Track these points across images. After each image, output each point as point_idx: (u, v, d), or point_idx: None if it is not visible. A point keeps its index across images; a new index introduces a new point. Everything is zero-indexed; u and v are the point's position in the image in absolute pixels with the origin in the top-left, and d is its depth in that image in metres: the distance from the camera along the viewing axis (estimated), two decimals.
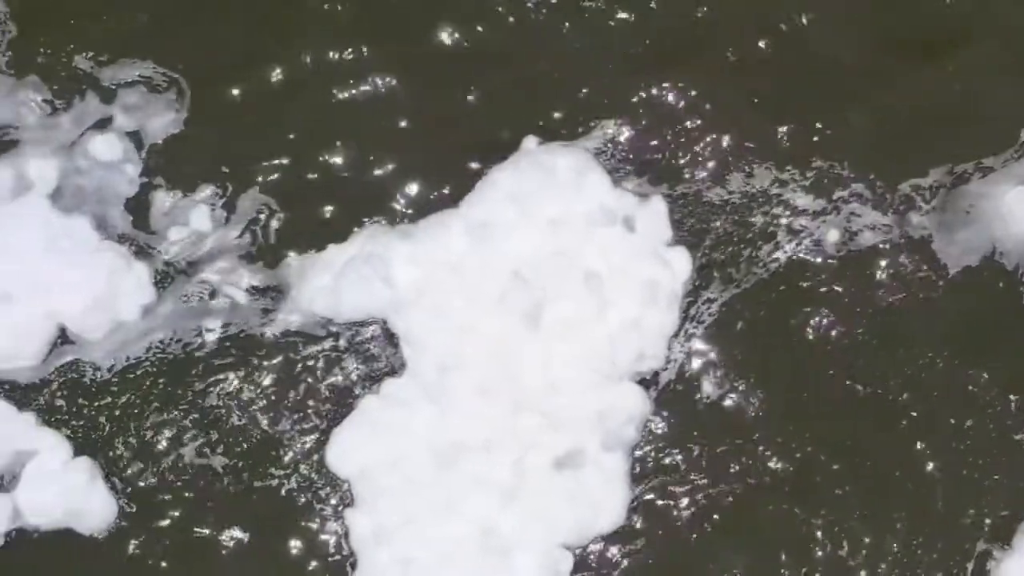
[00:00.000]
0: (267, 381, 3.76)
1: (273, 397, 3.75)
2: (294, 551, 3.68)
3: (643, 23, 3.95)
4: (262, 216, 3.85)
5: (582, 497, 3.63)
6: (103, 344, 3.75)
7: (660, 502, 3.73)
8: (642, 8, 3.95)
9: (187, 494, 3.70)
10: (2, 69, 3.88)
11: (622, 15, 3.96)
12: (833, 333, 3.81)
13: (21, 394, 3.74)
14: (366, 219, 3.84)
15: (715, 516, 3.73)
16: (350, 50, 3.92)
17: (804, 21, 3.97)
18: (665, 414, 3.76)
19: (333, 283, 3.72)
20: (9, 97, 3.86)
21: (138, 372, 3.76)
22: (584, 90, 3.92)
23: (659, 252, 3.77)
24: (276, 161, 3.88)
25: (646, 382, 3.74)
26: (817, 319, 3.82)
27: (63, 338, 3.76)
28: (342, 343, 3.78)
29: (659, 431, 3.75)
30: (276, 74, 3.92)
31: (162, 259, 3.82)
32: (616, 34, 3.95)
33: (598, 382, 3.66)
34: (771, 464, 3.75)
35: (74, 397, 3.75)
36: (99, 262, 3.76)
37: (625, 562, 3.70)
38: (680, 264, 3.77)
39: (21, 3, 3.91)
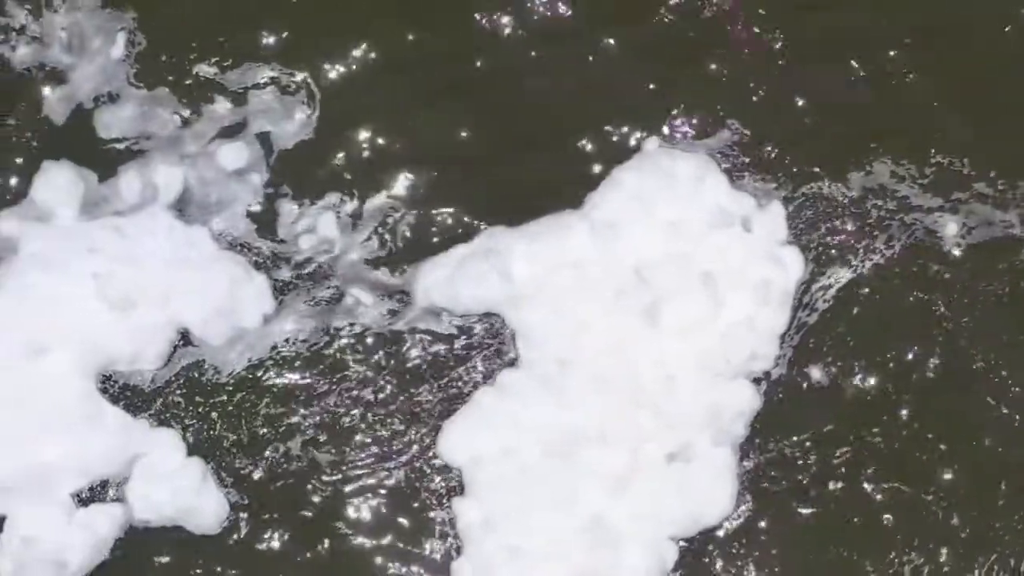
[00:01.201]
0: (387, 379, 3.82)
1: (391, 394, 3.82)
2: (398, 540, 3.77)
3: (771, 20, 3.96)
4: (390, 220, 3.88)
5: (691, 491, 3.68)
6: (225, 348, 3.80)
7: (767, 494, 3.80)
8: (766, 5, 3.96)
9: (297, 489, 3.78)
10: (131, 82, 3.86)
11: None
12: (946, 322, 3.85)
13: (139, 395, 3.79)
14: (490, 219, 3.87)
15: (822, 505, 3.79)
16: (474, 50, 3.94)
17: (924, 20, 3.96)
18: (775, 403, 3.80)
19: (451, 276, 3.78)
20: (139, 109, 3.85)
21: (259, 373, 3.82)
22: (704, 88, 3.93)
23: (774, 252, 3.80)
24: (403, 165, 3.89)
25: (756, 378, 3.79)
26: (930, 307, 3.85)
27: (185, 340, 3.79)
28: (463, 341, 3.83)
29: (768, 421, 3.79)
30: (402, 75, 3.92)
31: (288, 264, 3.85)
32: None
33: (711, 379, 3.71)
34: (879, 448, 3.81)
35: (192, 396, 3.80)
36: (220, 271, 3.77)
37: (730, 553, 3.77)
38: (793, 264, 3.81)
39: (147, 13, 3.89)
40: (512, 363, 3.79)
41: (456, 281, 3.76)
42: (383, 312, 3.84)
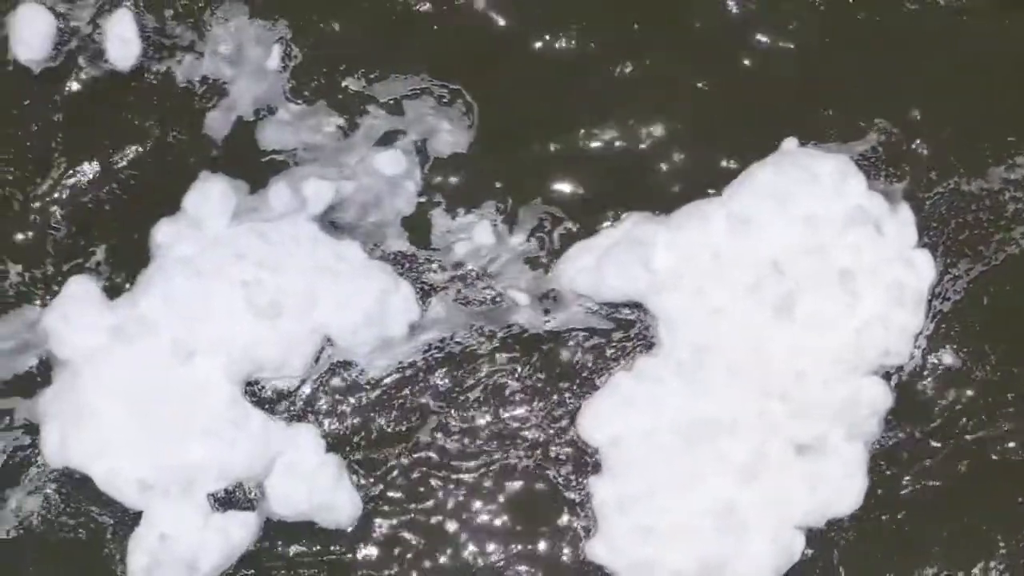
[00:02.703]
0: (532, 374, 3.88)
1: (534, 388, 3.88)
2: (531, 520, 3.84)
3: (918, 25, 3.99)
4: (546, 224, 3.91)
5: (821, 483, 3.72)
6: (372, 354, 3.84)
7: (896, 487, 3.85)
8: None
9: (429, 477, 3.85)
10: (288, 96, 3.89)
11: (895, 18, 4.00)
12: None
13: (282, 394, 3.84)
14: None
15: (950, 499, 3.85)
16: (630, 55, 3.95)
17: None
18: (906, 388, 3.86)
19: (595, 264, 3.82)
20: (297, 121, 3.89)
21: (407, 373, 3.87)
22: (855, 92, 3.95)
23: (905, 255, 3.84)
24: (557, 167, 3.92)
25: (888, 374, 3.83)
26: None
27: (331, 341, 3.81)
28: (618, 336, 3.88)
29: (898, 405, 3.83)
30: (553, 76, 3.94)
31: (442, 270, 3.88)
32: (889, 40, 3.99)
33: (844, 375, 3.74)
34: (1010, 436, 3.86)
35: (334, 394, 3.86)
36: (368, 281, 3.79)
37: (855, 544, 3.83)
38: (925, 268, 3.84)
39: (300, 24, 3.92)
40: (649, 349, 3.84)
41: (600, 270, 3.81)
42: (539, 312, 3.88)
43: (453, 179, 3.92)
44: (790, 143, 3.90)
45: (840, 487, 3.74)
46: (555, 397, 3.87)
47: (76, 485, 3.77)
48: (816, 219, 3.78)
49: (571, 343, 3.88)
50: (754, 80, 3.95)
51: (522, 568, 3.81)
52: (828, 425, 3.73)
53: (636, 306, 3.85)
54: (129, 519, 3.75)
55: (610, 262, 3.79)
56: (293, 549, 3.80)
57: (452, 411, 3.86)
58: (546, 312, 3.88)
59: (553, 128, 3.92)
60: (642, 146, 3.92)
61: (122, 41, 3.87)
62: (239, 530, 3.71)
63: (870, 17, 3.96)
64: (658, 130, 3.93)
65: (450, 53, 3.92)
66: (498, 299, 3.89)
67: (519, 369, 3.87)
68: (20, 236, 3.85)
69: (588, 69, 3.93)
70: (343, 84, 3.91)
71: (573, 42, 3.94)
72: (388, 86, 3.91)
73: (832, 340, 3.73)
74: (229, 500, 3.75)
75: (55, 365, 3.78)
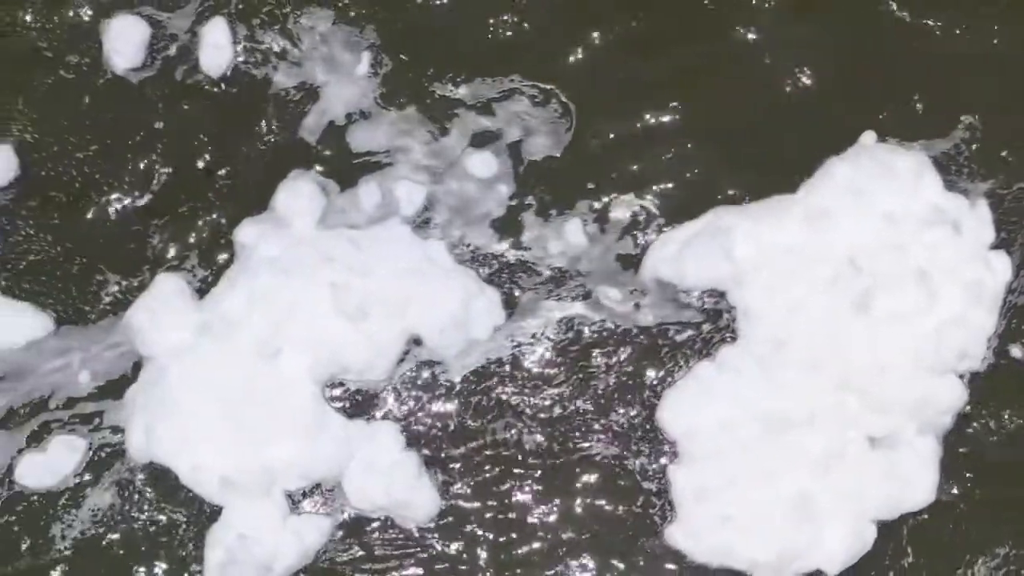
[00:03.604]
0: (620, 368, 3.89)
1: (618, 381, 3.89)
2: (605, 509, 3.84)
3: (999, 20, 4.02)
4: (638, 221, 3.93)
5: (894, 476, 3.75)
6: (458, 354, 3.85)
7: (965, 481, 3.87)
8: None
9: (513, 473, 3.86)
10: (378, 102, 3.92)
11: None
12: None
13: (364, 393, 3.85)
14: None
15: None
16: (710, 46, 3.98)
17: None
18: (979, 390, 3.86)
19: (678, 253, 3.85)
20: (389, 126, 3.91)
21: (491, 369, 3.88)
22: (943, 90, 3.98)
23: (982, 255, 3.85)
24: (649, 166, 3.94)
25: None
26: None
27: (417, 342, 3.82)
28: (703, 328, 3.89)
29: (972, 409, 3.86)
30: (640, 69, 3.96)
31: (534, 270, 3.90)
32: (980, 40, 4.02)
33: (920, 372, 3.75)
34: None
35: (416, 392, 3.87)
36: (454, 285, 3.79)
37: (925, 526, 3.85)
38: (1002, 268, 3.85)
39: (387, 32, 3.95)
40: (732, 340, 3.86)
41: (683, 257, 3.84)
42: (628, 308, 3.89)
43: (545, 180, 3.94)
44: (868, 137, 3.92)
45: (913, 480, 3.77)
46: (639, 389, 3.88)
47: (153, 483, 3.81)
48: (894, 216, 3.80)
49: (659, 337, 3.89)
50: (842, 73, 4.00)
51: (601, 554, 3.83)
52: (903, 420, 3.76)
53: (723, 297, 3.87)
54: (204, 517, 3.78)
55: (693, 250, 3.83)
56: (370, 547, 3.82)
57: (535, 405, 3.87)
58: (636, 307, 3.90)
59: (644, 124, 3.95)
60: (723, 140, 3.96)
61: (216, 48, 3.91)
62: (314, 533, 3.74)
63: (953, 13, 4.01)
64: (740, 124, 3.96)
65: (538, 54, 3.96)
66: (588, 296, 3.91)
67: (610, 363, 3.88)
68: (118, 246, 3.89)
69: (674, 62, 3.98)
70: (432, 88, 3.94)
71: (656, 31, 3.99)
72: (479, 88, 3.94)
73: (911, 338, 3.75)
74: (305, 498, 3.78)
75: (143, 362, 3.81)
